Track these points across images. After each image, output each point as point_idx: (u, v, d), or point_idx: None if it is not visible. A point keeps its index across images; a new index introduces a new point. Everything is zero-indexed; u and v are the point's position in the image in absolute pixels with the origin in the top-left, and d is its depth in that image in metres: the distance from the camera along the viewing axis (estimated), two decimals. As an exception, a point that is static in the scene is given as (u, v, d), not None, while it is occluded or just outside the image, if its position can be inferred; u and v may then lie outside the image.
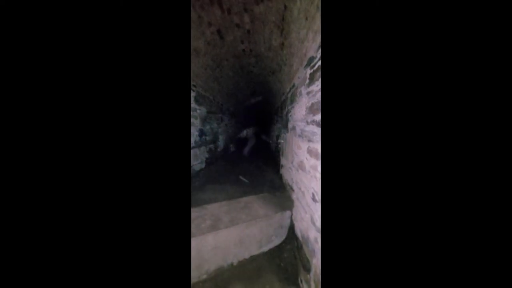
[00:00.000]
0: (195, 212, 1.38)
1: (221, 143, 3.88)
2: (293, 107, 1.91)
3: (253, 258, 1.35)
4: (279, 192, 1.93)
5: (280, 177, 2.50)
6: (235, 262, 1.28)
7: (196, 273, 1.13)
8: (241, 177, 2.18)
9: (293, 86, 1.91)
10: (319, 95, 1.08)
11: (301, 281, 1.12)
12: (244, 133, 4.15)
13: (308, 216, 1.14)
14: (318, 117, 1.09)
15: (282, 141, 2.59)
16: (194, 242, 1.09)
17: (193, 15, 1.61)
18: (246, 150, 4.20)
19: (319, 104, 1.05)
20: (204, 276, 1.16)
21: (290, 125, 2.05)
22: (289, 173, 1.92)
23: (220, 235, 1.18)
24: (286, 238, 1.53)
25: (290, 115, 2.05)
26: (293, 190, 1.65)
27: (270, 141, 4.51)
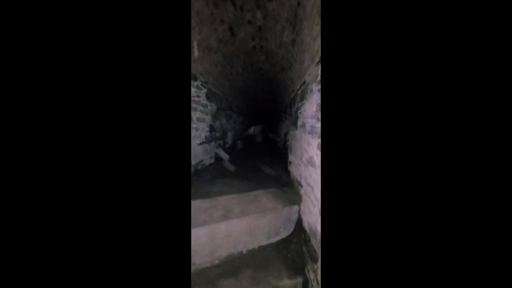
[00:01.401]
0: (208, 203, 1.45)
1: (229, 139, 3.96)
2: (303, 104, 1.92)
3: (261, 248, 1.41)
4: (287, 188, 1.97)
5: (288, 173, 2.54)
6: (244, 251, 1.35)
7: (209, 258, 1.21)
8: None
9: (304, 83, 1.92)
10: (331, 91, 1.10)
11: (308, 271, 1.16)
12: (252, 130, 4.20)
13: (317, 209, 1.17)
14: (329, 113, 1.11)
15: (291, 138, 2.61)
16: (208, 229, 1.17)
17: (206, 12, 1.66)
18: (256, 145, 4.31)
19: (331, 101, 1.08)
20: (217, 261, 1.24)
21: (299, 122, 2.06)
22: (298, 169, 1.95)
23: (232, 224, 1.25)
24: (293, 231, 1.58)
25: (300, 112, 2.06)
26: (302, 186, 1.68)
27: (278, 139, 4.54)
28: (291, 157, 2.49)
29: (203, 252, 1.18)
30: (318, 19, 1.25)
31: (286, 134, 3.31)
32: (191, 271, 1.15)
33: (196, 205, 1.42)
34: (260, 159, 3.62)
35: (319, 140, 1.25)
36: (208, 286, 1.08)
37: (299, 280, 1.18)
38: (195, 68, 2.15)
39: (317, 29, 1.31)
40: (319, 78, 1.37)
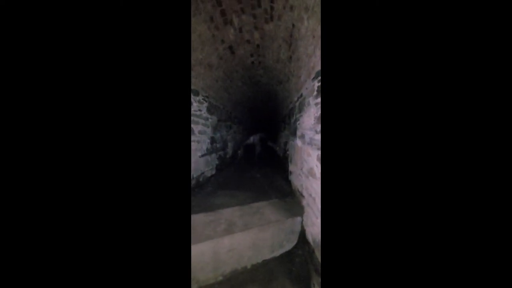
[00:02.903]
0: (210, 216, 1.46)
1: (230, 150, 3.99)
2: (301, 115, 1.99)
3: (265, 263, 1.39)
4: (289, 199, 1.97)
5: (289, 183, 2.54)
6: (248, 266, 1.33)
7: (213, 274, 1.19)
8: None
9: (301, 96, 2.00)
10: (327, 106, 1.16)
11: (314, 285, 1.15)
12: (251, 139, 4.26)
13: (319, 220, 1.18)
14: (327, 127, 1.16)
15: (290, 148, 2.66)
16: (211, 244, 1.17)
17: (207, 34, 1.78)
18: (256, 154, 4.33)
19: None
20: (220, 278, 1.22)
21: (298, 133, 2.12)
22: (299, 180, 1.97)
23: (235, 239, 1.24)
24: (297, 244, 1.56)
25: (299, 123, 2.13)
26: (303, 196, 1.70)
27: (277, 148, 4.58)
28: (291, 167, 2.52)
29: (207, 268, 1.16)
30: (312, 40, 1.36)
31: (286, 143, 3.36)
32: (195, 289, 1.13)
33: (199, 218, 1.42)
34: (261, 168, 3.63)
35: (319, 152, 1.29)
36: (213, 304, 1.06)
37: (305, 295, 1.16)
38: (197, 84, 2.25)
39: (311, 48, 1.42)
40: (315, 92, 1.44)
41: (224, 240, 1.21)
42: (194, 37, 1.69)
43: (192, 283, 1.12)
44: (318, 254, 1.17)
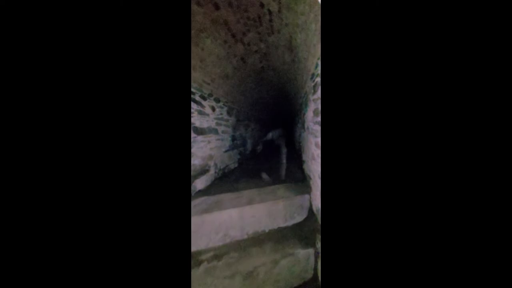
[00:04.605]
0: (235, 195, 1.91)
1: (249, 146, 4.45)
2: (306, 110, 2.27)
3: (280, 229, 1.77)
4: (300, 183, 2.29)
5: (302, 171, 2.84)
6: (266, 230, 1.73)
7: (240, 233, 1.64)
8: (263, 175, 2.71)
9: (305, 93, 2.28)
10: (319, 102, 1.46)
11: (317, 242, 1.48)
12: (270, 135, 4.57)
13: (319, 193, 1.50)
14: (319, 119, 1.46)
15: (302, 139, 2.94)
16: (238, 211, 1.61)
17: (223, 53, 2.21)
18: (274, 148, 4.55)
19: (319, 110, 1.43)
20: (246, 236, 1.65)
21: (306, 125, 2.40)
22: (307, 165, 2.26)
23: (255, 208, 1.66)
24: (306, 217, 1.89)
25: (306, 117, 2.41)
26: (311, 178, 2.00)
27: (294, 140, 4.81)
28: (303, 156, 2.80)
29: (236, 227, 1.61)
30: (305, 47, 1.65)
31: (300, 136, 3.61)
32: (228, 242, 1.59)
33: (226, 196, 1.88)
34: (278, 160, 3.96)
35: (316, 139, 1.59)
36: (241, 251, 1.50)
37: (311, 250, 1.49)
38: (218, 93, 2.73)
39: (306, 53, 1.70)
40: (312, 90, 1.73)
41: (246, 208, 1.63)
42: (213, 57, 2.15)
43: (226, 237, 1.58)
44: (319, 218, 1.49)
